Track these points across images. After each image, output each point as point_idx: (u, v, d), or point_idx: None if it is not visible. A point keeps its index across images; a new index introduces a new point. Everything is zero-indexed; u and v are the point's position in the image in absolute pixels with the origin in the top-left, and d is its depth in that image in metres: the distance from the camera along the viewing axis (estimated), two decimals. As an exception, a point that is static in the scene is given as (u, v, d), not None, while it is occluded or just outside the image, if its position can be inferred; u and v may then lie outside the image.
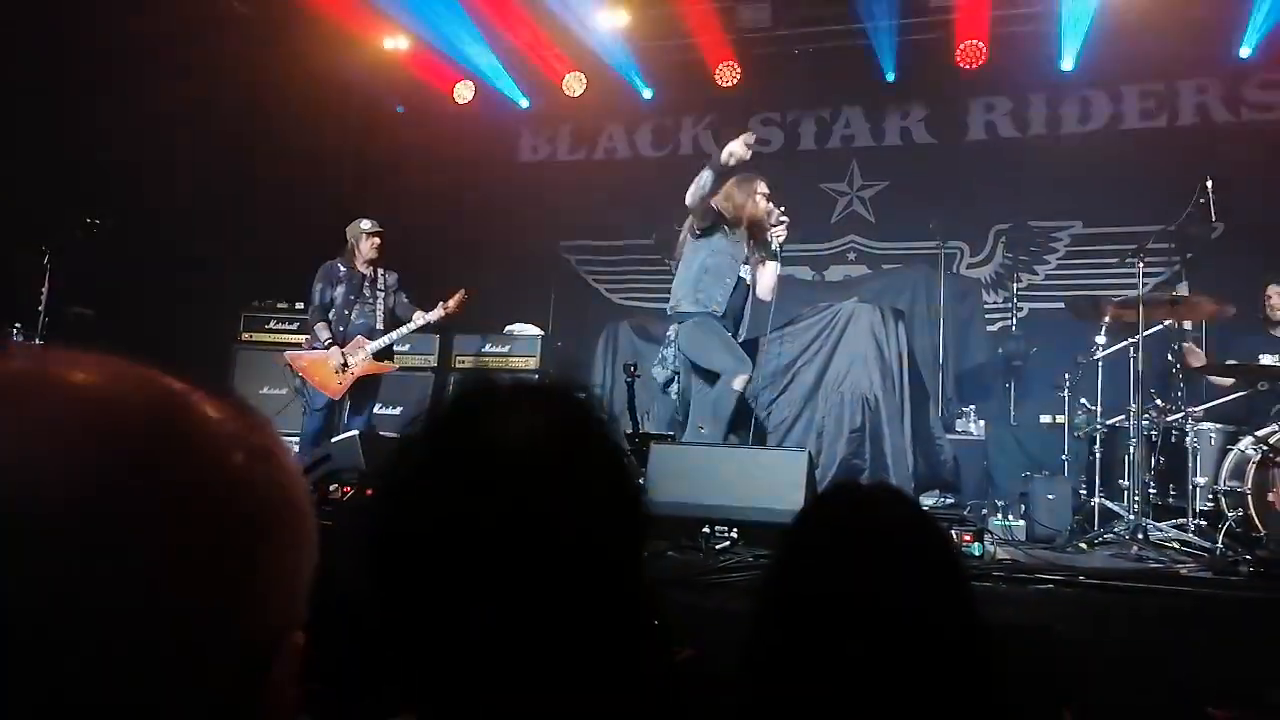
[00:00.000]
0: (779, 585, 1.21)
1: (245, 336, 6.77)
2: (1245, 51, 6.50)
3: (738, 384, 4.47)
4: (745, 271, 4.81)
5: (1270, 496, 4.20)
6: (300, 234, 6.50)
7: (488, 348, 6.27)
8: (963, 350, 6.78)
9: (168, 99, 6.15)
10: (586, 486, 0.78)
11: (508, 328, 6.54)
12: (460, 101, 7.93)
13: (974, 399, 6.44)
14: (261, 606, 0.43)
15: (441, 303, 5.45)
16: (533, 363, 6.15)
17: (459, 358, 6.29)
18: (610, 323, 6.28)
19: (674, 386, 4.91)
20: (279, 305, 6.84)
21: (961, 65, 6.84)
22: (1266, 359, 4.90)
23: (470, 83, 7.89)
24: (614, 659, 0.75)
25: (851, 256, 7.71)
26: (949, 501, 5.26)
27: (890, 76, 7.36)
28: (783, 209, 4.79)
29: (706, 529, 3.71)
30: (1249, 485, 4.23)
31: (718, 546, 3.64)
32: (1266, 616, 3.08)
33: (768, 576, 1.25)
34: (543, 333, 6.52)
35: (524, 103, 8.14)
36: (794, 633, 1.16)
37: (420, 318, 5.44)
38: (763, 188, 4.81)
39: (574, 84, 7.65)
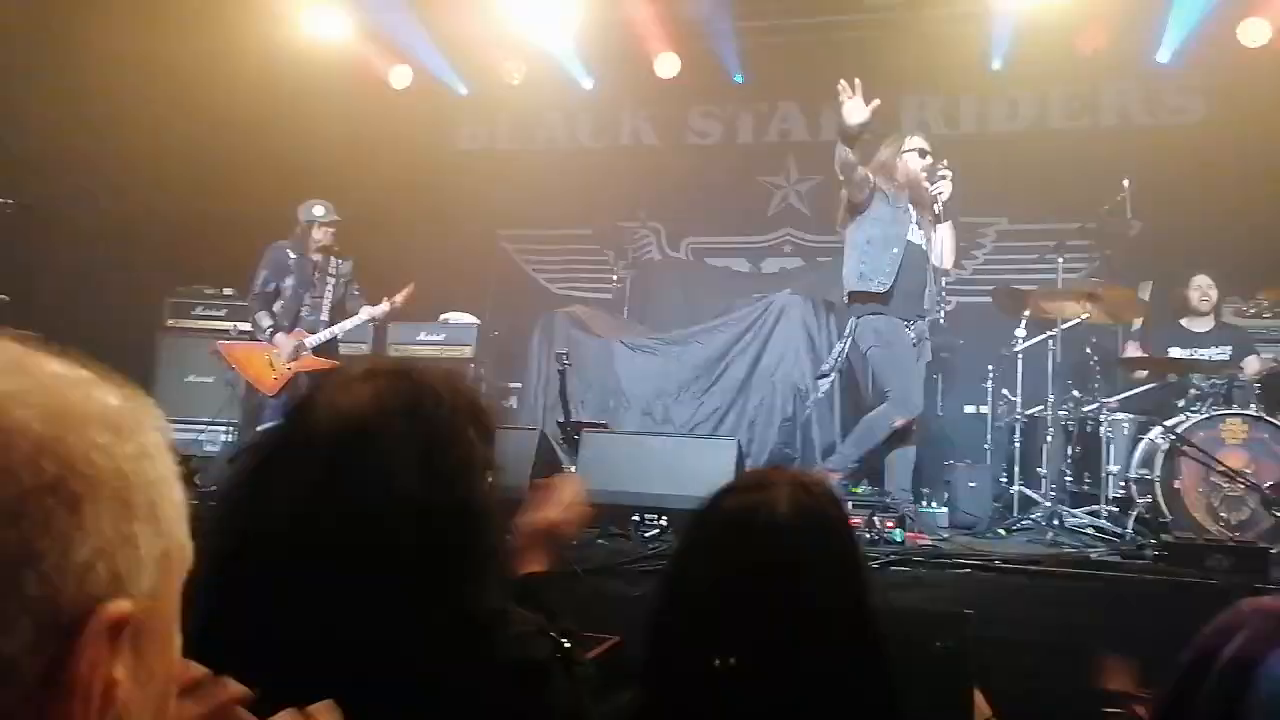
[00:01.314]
0: (676, 570, 1.23)
1: (170, 323, 6.60)
2: (1163, 57, 6.74)
3: (899, 422, 4.26)
4: (917, 236, 4.33)
5: (1177, 484, 4.39)
6: (228, 218, 6.35)
7: (422, 336, 6.20)
8: (893, 342, 6.92)
9: (84, 80, 5.95)
10: (405, 454, 0.82)
11: (443, 316, 6.48)
12: (397, 86, 7.82)
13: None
14: (70, 572, 0.43)
15: (388, 298, 5.28)
16: (468, 352, 6.10)
17: (394, 346, 6.21)
18: (547, 312, 6.26)
19: (825, 383, 4.53)
20: (206, 291, 6.67)
21: (895, 62, 6.95)
22: (1177, 351, 5.09)
23: (407, 67, 7.78)
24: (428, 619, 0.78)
25: (787, 249, 7.81)
26: (877, 489, 5.37)
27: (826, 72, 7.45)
28: (945, 162, 4.31)
29: (636, 517, 3.74)
30: (1157, 473, 4.40)
31: (646, 534, 3.68)
32: (1171, 599, 3.22)
33: (669, 561, 1.27)
34: (478, 322, 6.48)
35: (462, 89, 8.05)
36: (689, 616, 1.18)
37: (366, 313, 5.27)
38: (913, 142, 4.38)
39: (513, 72, 7.59)
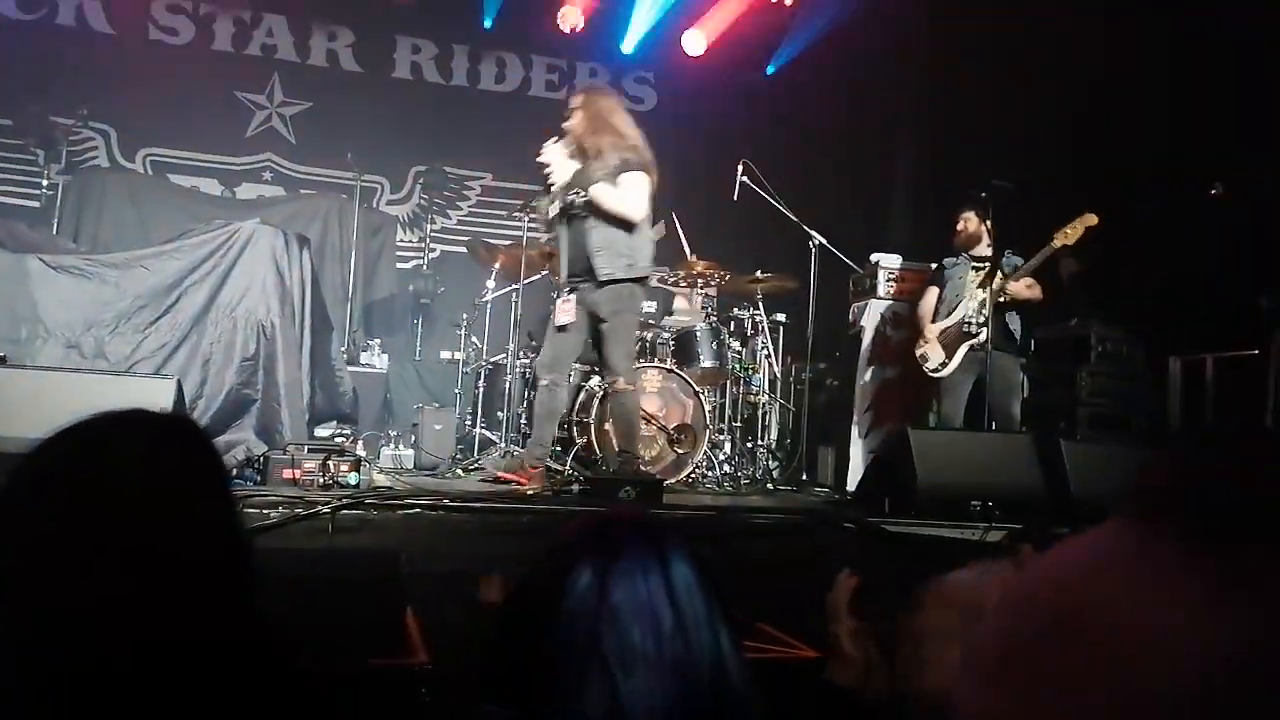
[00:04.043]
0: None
1: None
2: (627, 48, 7.59)
3: (544, 380, 4.31)
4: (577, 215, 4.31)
5: (607, 426, 5.03)
6: None
7: None
8: (372, 285, 6.87)
9: None
10: None
11: None
12: None
13: (381, 333, 6.58)
14: None
15: None
16: None
17: None
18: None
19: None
20: None
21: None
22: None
23: None
24: None
25: (267, 176, 7.27)
26: (345, 433, 5.31)
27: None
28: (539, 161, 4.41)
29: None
30: (592, 417, 5.00)
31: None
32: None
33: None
34: None
35: None
36: (10, 571, 1.02)
37: None
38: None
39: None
